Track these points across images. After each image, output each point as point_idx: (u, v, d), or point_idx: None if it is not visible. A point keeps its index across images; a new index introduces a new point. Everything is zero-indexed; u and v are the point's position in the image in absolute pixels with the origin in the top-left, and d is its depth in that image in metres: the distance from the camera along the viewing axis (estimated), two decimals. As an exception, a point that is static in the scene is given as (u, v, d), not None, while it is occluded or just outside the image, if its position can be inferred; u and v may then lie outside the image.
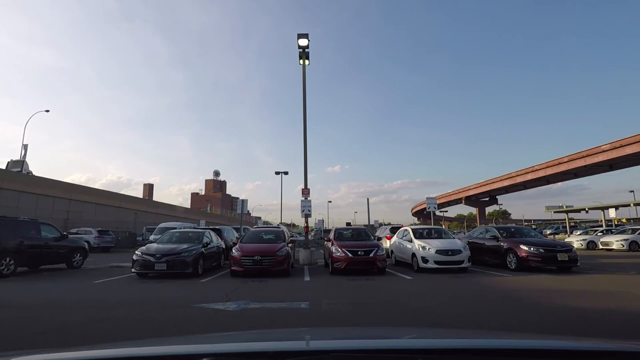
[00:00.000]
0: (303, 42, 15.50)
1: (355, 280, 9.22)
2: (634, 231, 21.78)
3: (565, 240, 24.54)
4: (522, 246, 10.89)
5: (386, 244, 14.78)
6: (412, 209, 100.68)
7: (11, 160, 18.96)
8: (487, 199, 68.39)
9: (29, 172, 27.68)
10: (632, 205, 39.51)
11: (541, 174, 50.29)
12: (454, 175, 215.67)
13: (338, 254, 10.56)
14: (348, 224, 47.44)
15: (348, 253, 10.45)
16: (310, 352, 1.10)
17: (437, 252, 10.78)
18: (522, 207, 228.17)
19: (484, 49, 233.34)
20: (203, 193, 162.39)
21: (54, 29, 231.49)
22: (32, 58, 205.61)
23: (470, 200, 69.45)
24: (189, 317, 5.55)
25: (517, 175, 54.93)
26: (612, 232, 24.08)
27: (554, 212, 55.76)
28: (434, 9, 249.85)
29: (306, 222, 15.78)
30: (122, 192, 45.06)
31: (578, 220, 60.70)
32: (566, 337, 2.07)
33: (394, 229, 17.56)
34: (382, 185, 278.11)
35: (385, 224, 33.12)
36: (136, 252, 10.42)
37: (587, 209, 40.63)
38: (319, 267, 12.97)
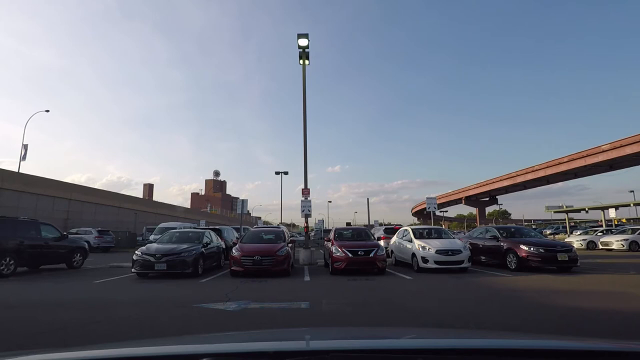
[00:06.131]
0: (303, 42, 15.50)
1: (355, 280, 9.22)
2: (634, 231, 21.77)
3: (565, 240, 24.54)
4: (522, 246, 10.89)
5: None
6: (412, 209, 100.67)
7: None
8: (487, 199, 68.38)
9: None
10: (632, 205, 39.50)
11: (541, 174, 50.28)
12: (454, 175, 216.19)
13: (338, 254, 10.55)
14: (348, 224, 47.48)
15: (348, 253, 10.45)
16: (310, 352, 1.10)
17: (437, 252, 10.77)
18: (522, 207, 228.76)
19: (484, 49, 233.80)
20: (203, 193, 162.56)
21: (53, 28, 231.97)
22: (32, 58, 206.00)
23: (470, 200, 69.43)
24: (189, 317, 5.54)
25: (517, 175, 54.91)
26: (612, 232, 24.05)
27: (554, 212, 55.70)
28: (434, 8, 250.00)
29: (306, 222, 15.77)
30: (122, 192, 45.06)
31: (578, 220, 60.61)
32: (566, 337, 2.07)
33: (388, 230, 17.58)
34: (382, 185, 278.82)
35: (385, 224, 33.14)
36: (136, 252, 10.41)
37: (587, 209, 40.61)
38: (319, 267, 12.97)
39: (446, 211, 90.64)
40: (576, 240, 24.07)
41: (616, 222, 38.16)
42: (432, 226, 14.49)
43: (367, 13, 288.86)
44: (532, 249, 10.68)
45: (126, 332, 4.66)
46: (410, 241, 11.97)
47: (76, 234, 21.04)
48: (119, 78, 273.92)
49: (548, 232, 43.66)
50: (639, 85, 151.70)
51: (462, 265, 10.78)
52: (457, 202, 75.16)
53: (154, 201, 56.33)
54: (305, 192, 15.46)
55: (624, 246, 20.51)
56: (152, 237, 17.56)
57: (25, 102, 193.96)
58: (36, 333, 4.53)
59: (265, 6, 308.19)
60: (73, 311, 5.96)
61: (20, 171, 28.55)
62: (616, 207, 34.39)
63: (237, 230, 19.77)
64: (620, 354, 1.13)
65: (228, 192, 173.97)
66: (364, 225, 32.41)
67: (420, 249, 11.12)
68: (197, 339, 1.79)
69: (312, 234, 30.88)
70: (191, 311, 5.89)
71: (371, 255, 10.51)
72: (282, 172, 38.74)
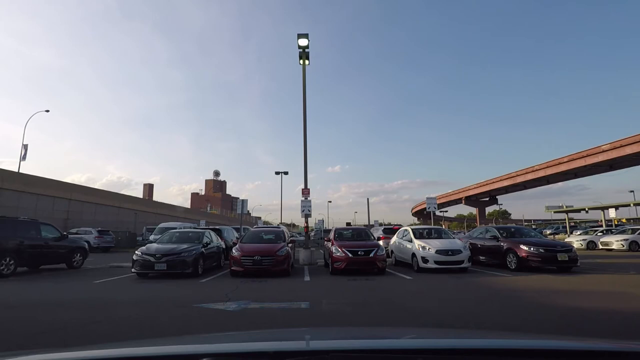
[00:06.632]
0: (303, 42, 15.49)
1: (355, 280, 9.22)
2: (634, 231, 21.76)
3: (565, 240, 24.54)
4: (522, 246, 10.89)
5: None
6: (412, 209, 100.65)
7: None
8: (487, 199, 68.37)
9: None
10: (632, 205, 39.49)
11: (541, 174, 50.28)
12: (454, 175, 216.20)
13: (338, 254, 10.55)
14: (348, 224, 47.50)
15: (348, 253, 10.44)
16: (310, 352, 1.10)
17: (437, 252, 10.77)
18: (522, 207, 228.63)
19: (484, 49, 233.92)
20: (203, 193, 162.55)
21: (53, 28, 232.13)
22: (32, 58, 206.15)
23: (470, 200, 69.43)
24: (189, 317, 5.54)
25: (517, 175, 54.91)
26: (612, 232, 24.05)
27: (554, 212, 55.69)
28: (434, 8, 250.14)
29: (306, 222, 15.77)
30: (122, 192, 45.05)
31: (578, 220, 60.59)
32: (566, 337, 2.07)
33: (387, 230, 17.63)
34: (382, 185, 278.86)
35: (385, 224, 33.14)
36: (136, 252, 10.41)
37: (587, 209, 40.60)
38: (319, 267, 12.97)
39: (446, 211, 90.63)
40: (576, 240, 24.06)
41: (616, 222, 38.15)
42: (432, 226, 14.48)
43: (367, 13, 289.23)
44: (532, 249, 10.68)
45: (126, 332, 4.66)
46: (410, 241, 11.96)
47: (76, 234, 21.04)
48: (119, 78, 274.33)
49: (548, 232, 43.64)
50: (639, 85, 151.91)
51: (462, 265, 10.77)
52: (457, 202, 75.14)
53: (154, 201, 56.33)
54: (305, 192, 15.46)
55: (624, 246, 20.51)
56: (152, 237, 17.55)
57: (25, 102, 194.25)
58: (36, 333, 4.52)
59: (265, 6, 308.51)
60: (73, 311, 5.96)
61: (20, 171, 28.56)
62: (616, 207, 34.38)
63: (237, 230, 19.76)
64: (620, 354, 1.13)
65: (228, 192, 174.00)
66: (364, 225, 32.41)
67: (420, 249, 11.12)
68: (197, 339, 1.79)
69: (312, 234, 30.89)
70: (191, 311, 5.89)
71: (371, 255, 10.50)
72: (282, 172, 38.75)
